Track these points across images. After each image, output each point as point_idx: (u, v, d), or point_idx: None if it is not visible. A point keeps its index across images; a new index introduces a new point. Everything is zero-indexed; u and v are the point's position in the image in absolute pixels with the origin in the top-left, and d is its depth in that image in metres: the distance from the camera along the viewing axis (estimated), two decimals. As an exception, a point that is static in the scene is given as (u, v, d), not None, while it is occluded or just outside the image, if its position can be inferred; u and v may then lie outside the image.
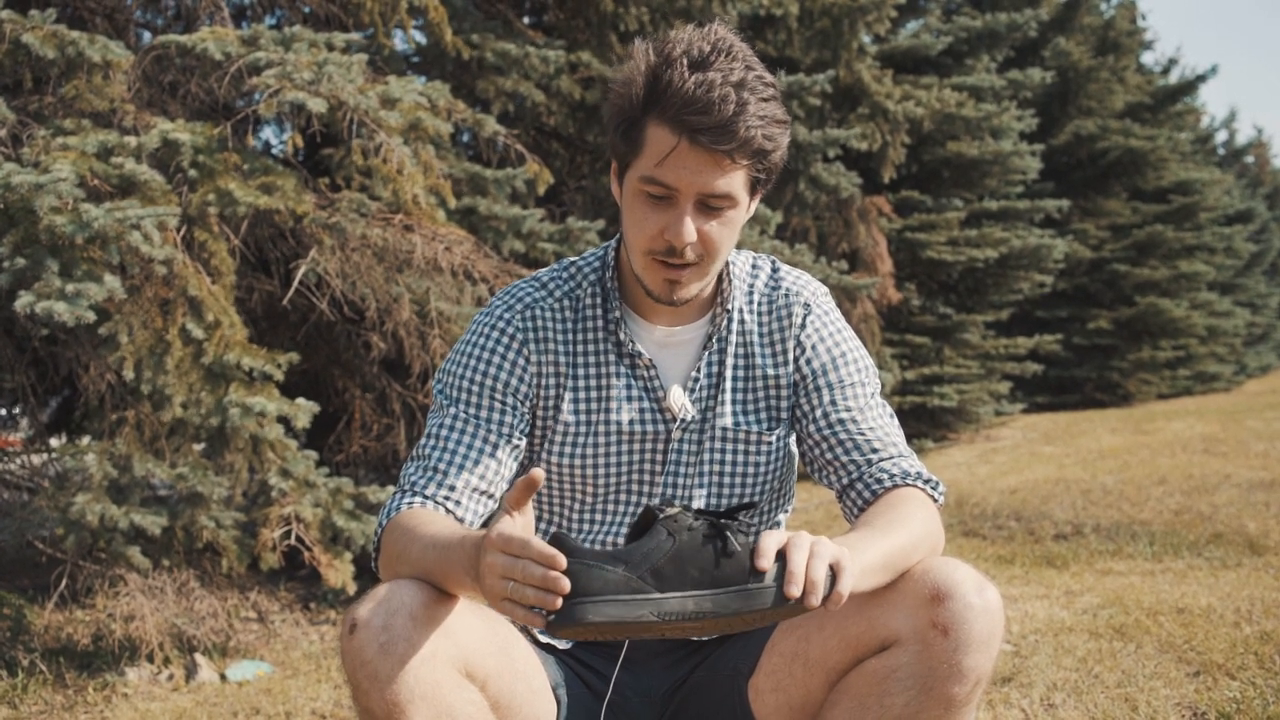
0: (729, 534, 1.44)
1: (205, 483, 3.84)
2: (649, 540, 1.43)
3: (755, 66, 1.67)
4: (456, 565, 1.51)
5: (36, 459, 4.83)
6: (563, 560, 1.35)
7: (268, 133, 5.70)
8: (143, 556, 3.86)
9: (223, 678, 3.89)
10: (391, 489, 4.26)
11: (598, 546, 1.89)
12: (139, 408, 3.94)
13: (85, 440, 4.57)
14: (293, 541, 3.99)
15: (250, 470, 4.01)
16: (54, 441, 5.21)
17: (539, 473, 1.43)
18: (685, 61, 1.63)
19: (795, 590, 1.40)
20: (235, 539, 3.97)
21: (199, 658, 3.94)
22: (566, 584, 1.35)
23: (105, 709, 3.55)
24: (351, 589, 4.10)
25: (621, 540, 1.88)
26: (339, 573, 4.04)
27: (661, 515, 1.46)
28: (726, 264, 1.89)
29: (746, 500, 1.90)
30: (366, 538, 4.03)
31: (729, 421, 1.88)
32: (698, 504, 1.88)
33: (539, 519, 1.95)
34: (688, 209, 1.68)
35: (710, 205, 1.69)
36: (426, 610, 1.53)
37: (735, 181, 1.68)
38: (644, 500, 1.89)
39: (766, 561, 1.42)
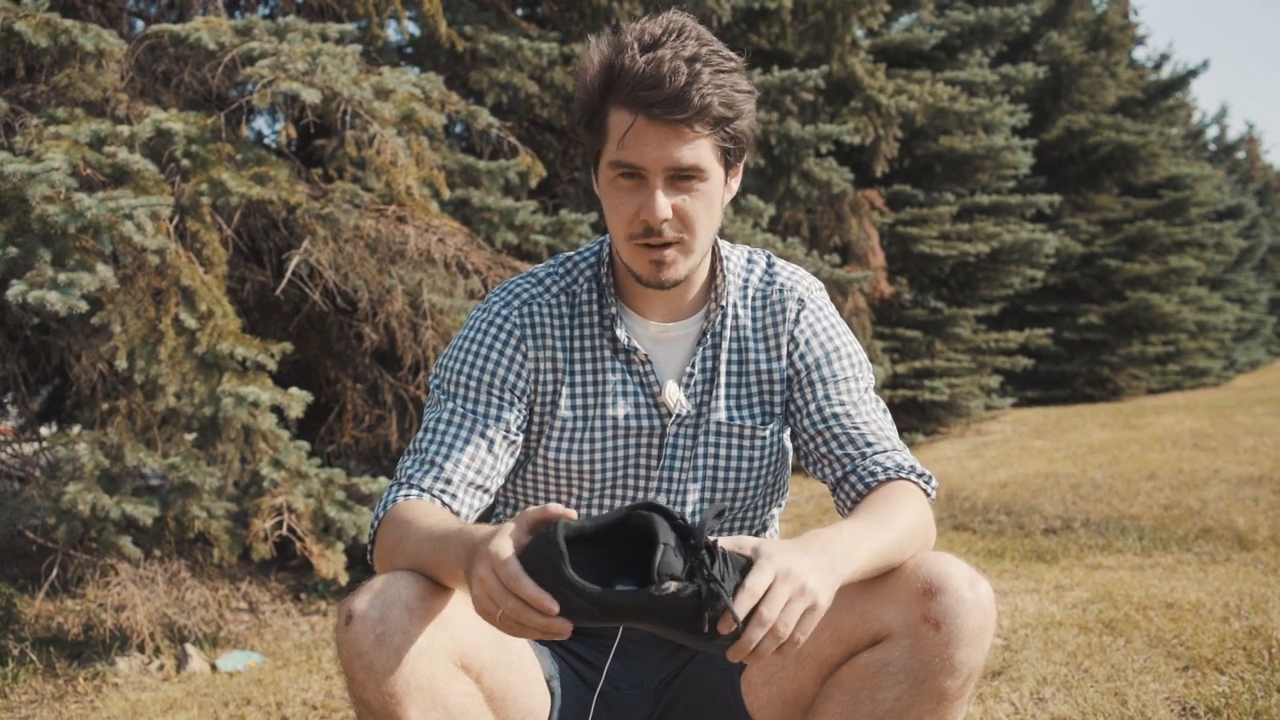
0: (706, 611, 1.36)
1: (197, 473, 3.83)
2: (630, 596, 1.35)
3: (711, 43, 1.68)
4: (451, 559, 1.51)
5: (27, 448, 4.82)
6: (551, 606, 1.32)
7: (261, 123, 5.71)
8: (134, 546, 3.86)
9: (213, 668, 3.89)
10: (383, 480, 4.28)
11: None
12: (131, 397, 3.93)
13: (76, 429, 4.57)
14: (284, 532, 3.99)
15: (242, 460, 4.01)
16: (45, 430, 5.20)
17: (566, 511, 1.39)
18: (637, 46, 1.66)
19: (740, 657, 1.38)
20: (227, 529, 3.97)
21: (190, 648, 3.94)
22: (553, 632, 1.36)
23: (96, 699, 3.55)
24: (343, 580, 4.11)
25: None
26: (330, 563, 4.04)
27: (655, 590, 1.34)
28: (721, 259, 1.90)
29: (739, 497, 1.91)
30: (358, 528, 4.03)
31: (723, 416, 1.88)
32: (692, 498, 1.88)
33: None
34: (658, 185, 1.69)
35: (680, 179, 1.70)
36: (422, 602, 1.53)
37: (701, 152, 1.69)
38: (639, 495, 1.89)
39: (728, 630, 1.37)
